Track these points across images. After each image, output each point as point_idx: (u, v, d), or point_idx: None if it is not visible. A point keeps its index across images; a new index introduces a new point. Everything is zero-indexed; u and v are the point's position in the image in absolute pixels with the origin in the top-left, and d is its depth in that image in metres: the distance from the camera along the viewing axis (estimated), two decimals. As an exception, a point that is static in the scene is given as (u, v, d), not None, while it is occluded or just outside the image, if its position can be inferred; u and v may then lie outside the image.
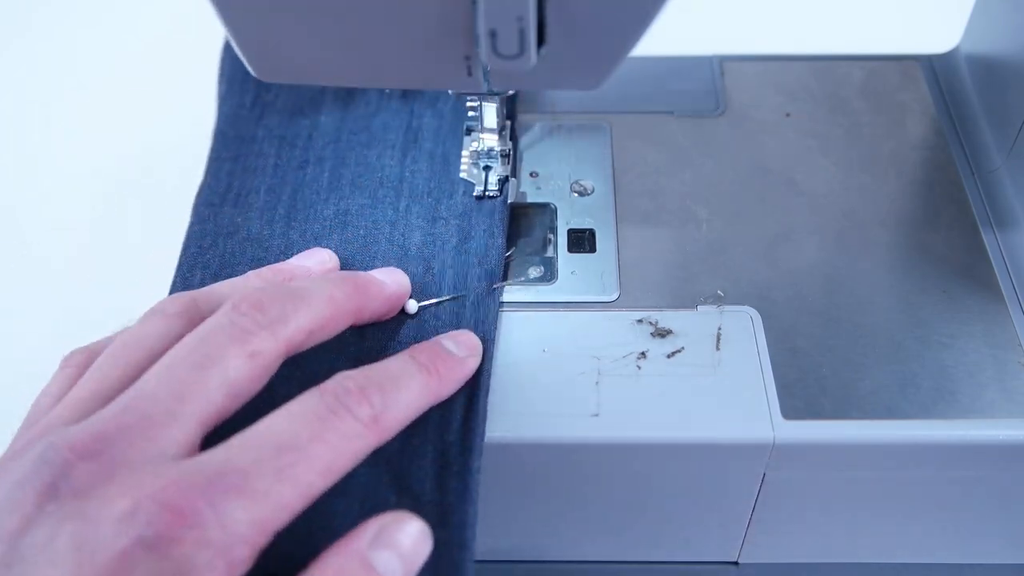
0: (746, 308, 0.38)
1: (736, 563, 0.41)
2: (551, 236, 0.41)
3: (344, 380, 0.29)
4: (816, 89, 0.48)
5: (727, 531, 0.39)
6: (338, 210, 0.41)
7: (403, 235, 0.40)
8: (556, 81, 0.32)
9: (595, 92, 0.33)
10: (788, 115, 0.47)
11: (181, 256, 0.40)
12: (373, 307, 0.35)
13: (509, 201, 0.41)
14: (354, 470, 0.28)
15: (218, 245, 0.40)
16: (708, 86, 0.48)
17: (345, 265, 0.39)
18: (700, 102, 0.47)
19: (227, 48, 0.50)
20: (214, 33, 0.44)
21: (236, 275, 0.37)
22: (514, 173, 0.43)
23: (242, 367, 0.28)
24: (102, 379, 0.29)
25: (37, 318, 0.52)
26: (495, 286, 0.38)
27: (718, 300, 0.38)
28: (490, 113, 0.41)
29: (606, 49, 0.30)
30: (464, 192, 0.42)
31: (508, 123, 0.43)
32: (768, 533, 0.39)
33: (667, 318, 0.37)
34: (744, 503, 0.37)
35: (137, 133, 0.63)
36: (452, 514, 0.31)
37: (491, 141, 0.42)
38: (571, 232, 0.41)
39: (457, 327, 0.36)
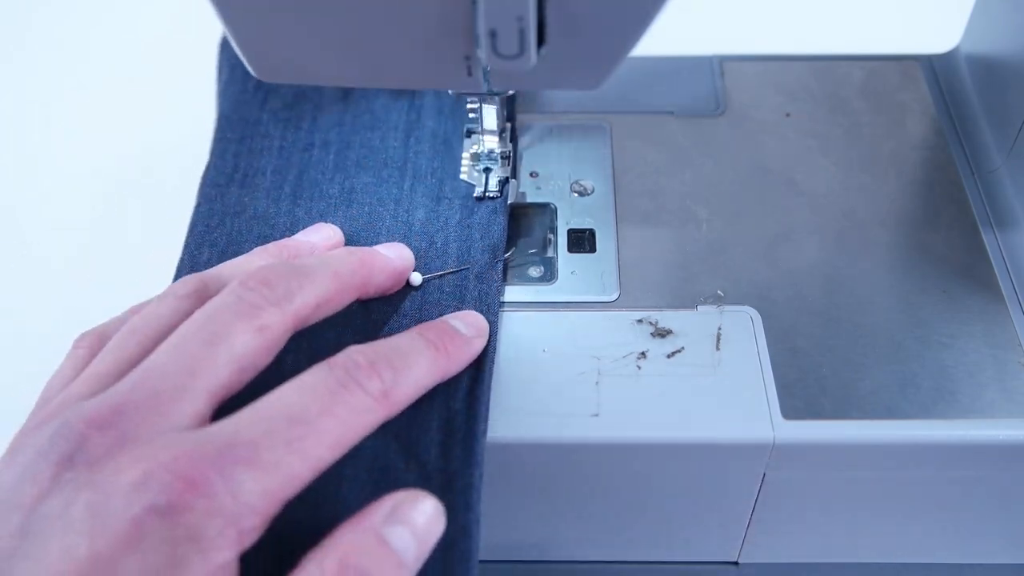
0: (746, 308, 0.38)
1: (736, 563, 0.41)
2: (551, 236, 0.41)
3: (354, 354, 0.29)
4: (816, 89, 0.48)
5: (727, 531, 0.39)
6: (343, 189, 0.42)
7: (407, 212, 0.41)
8: (556, 81, 0.32)
9: (595, 92, 0.33)
10: (788, 115, 0.47)
11: (188, 235, 0.41)
12: (378, 281, 0.35)
13: (509, 202, 0.41)
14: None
15: (225, 224, 0.41)
16: (708, 86, 0.48)
17: (350, 242, 0.40)
18: (700, 102, 0.47)
19: (226, 41, 0.50)
20: (214, 33, 0.44)
21: (243, 252, 0.37)
22: (514, 174, 0.43)
23: (250, 341, 0.29)
24: (116, 358, 0.29)
25: (37, 318, 0.52)
26: (498, 259, 0.39)
27: (718, 300, 0.38)
28: (490, 115, 0.41)
29: (606, 49, 0.30)
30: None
31: (508, 124, 0.43)
32: (768, 533, 0.39)
33: (667, 318, 0.37)
34: (744, 503, 0.37)
35: (137, 133, 0.63)
36: (457, 478, 0.31)
37: (491, 143, 0.42)
38: (571, 232, 0.41)
39: (461, 299, 0.37)
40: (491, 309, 0.37)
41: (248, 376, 0.29)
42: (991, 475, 0.36)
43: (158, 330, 0.30)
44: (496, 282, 0.38)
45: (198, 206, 0.42)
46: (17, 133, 0.64)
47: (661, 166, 0.44)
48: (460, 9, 0.28)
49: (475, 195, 0.41)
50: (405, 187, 0.42)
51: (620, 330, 0.37)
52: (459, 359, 0.33)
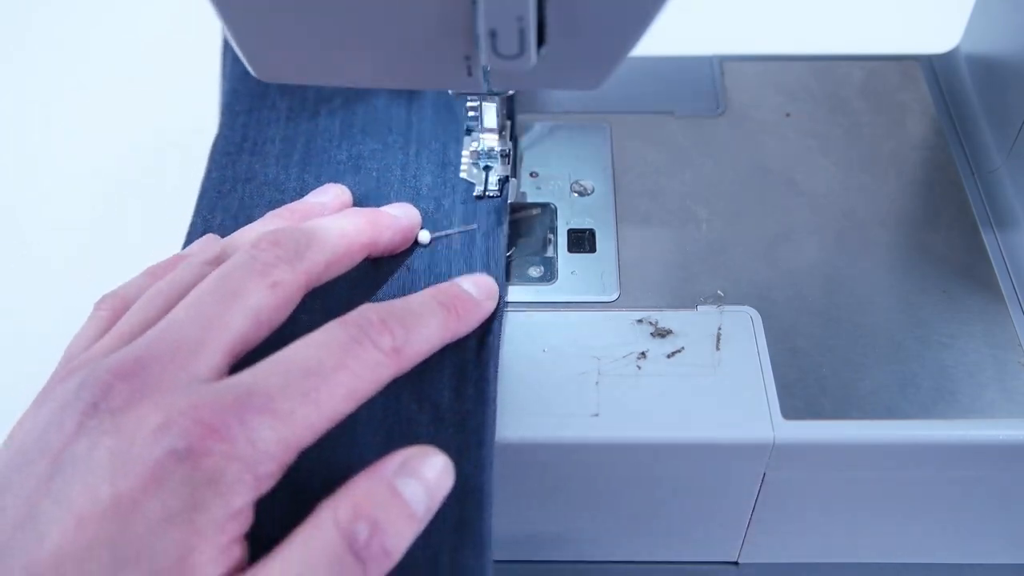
0: (746, 308, 0.38)
1: (736, 563, 0.41)
2: (551, 236, 0.41)
3: (367, 312, 0.30)
4: (816, 89, 0.48)
5: (727, 531, 0.39)
6: (350, 155, 0.43)
7: (415, 176, 0.42)
8: (556, 81, 0.32)
9: (595, 92, 0.33)
10: (788, 115, 0.47)
11: (199, 200, 0.42)
12: (386, 238, 0.37)
13: (509, 201, 0.41)
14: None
15: (237, 190, 0.42)
16: (708, 86, 0.48)
17: (359, 205, 0.41)
18: (700, 102, 0.47)
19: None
20: (214, 33, 0.44)
21: (255, 216, 0.39)
22: (514, 173, 0.43)
23: (264, 297, 0.30)
24: (140, 319, 0.31)
25: (37, 318, 0.52)
26: (503, 222, 0.40)
27: (718, 300, 0.38)
28: (490, 113, 0.41)
29: (606, 49, 0.30)
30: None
31: (508, 123, 0.43)
32: (768, 533, 0.39)
33: (667, 318, 0.37)
34: (744, 503, 0.37)
35: (137, 133, 0.63)
36: (471, 417, 0.33)
37: (491, 141, 0.42)
38: (571, 232, 0.41)
39: (469, 256, 0.38)
40: (497, 264, 0.38)
41: (264, 331, 0.30)
42: (991, 475, 0.36)
43: (181, 294, 0.31)
44: (502, 241, 0.39)
45: (209, 172, 0.43)
46: (17, 133, 0.64)
47: (661, 166, 0.44)
48: (460, 9, 0.28)
49: (475, 193, 0.41)
50: (411, 153, 0.43)
51: (620, 330, 0.37)
52: (469, 320, 0.34)
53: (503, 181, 0.42)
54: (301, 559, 0.26)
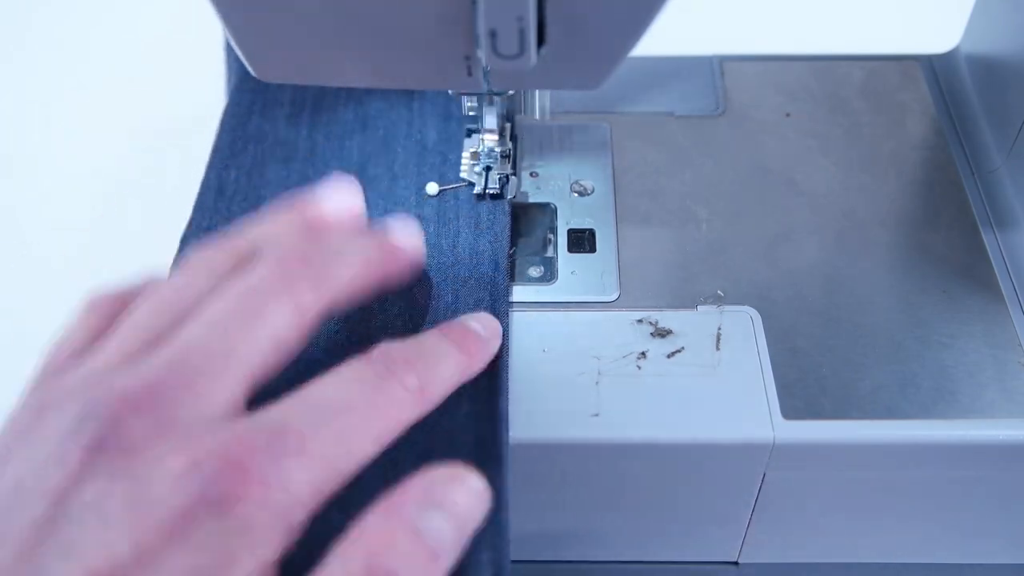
0: (746, 308, 0.38)
1: (736, 563, 0.41)
2: (551, 236, 0.41)
3: (391, 351, 0.28)
4: (816, 89, 0.48)
5: (727, 531, 0.39)
6: (357, 114, 0.45)
7: (420, 132, 0.44)
8: (556, 81, 0.32)
9: (595, 92, 0.33)
10: (788, 115, 0.47)
11: (212, 157, 0.43)
12: (398, 273, 0.34)
13: (509, 199, 0.41)
14: None
15: (249, 148, 0.44)
16: (708, 86, 0.48)
17: (368, 160, 0.43)
18: (700, 102, 0.47)
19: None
20: (214, 33, 0.44)
21: (268, 174, 0.42)
22: (514, 172, 0.43)
23: (289, 321, 0.27)
24: (146, 332, 0.27)
25: (37, 318, 0.52)
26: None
27: (718, 300, 0.38)
28: (490, 113, 0.41)
29: (606, 49, 0.30)
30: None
31: (508, 123, 0.43)
32: (768, 533, 0.39)
33: (667, 318, 0.37)
34: (744, 503, 0.37)
35: (137, 133, 0.63)
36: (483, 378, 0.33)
37: (491, 141, 0.42)
38: (571, 232, 0.41)
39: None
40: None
41: (283, 359, 0.27)
42: (991, 475, 0.36)
43: (190, 306, 0.28)
44: (504, 206, 0.40)
45: (220, 135, 0.45)
46: (17, 133, 0.64)
47: (661, 166, 0.44)
48: (460, 9, 0.28)
49: (475, 192, 0.41)
50: (414, 108, 0.45)
51: (620, 330, 0.37)
52: (480, 360, 0.33)
53: (503, 181, 0.42)
54: None
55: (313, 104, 0.46)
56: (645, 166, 0.44)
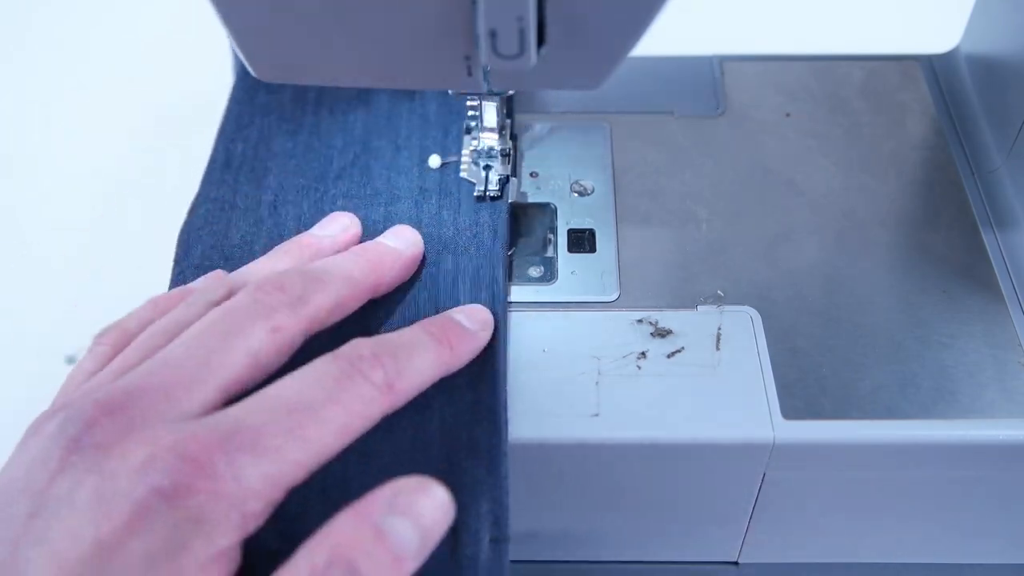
0: (746, 308, 0.38)
1: (736, 563, 0.41)
2: (551, 236, 0.41)
3: (359, 346, 0.30)
4: (816, 89, 0.48)
5: (727, 531, 0.39)
6: (360, 90, 0.46)
7: (421, 106, 0.45)
8: (556, 81, 0.32)
9: (595, 92, 0.33)
10: (788, 115, 0.47)
11: (220, 131, 0.44)
12: (390, 278, 0.36)
13: (509, 201, 0.41)
14: None
15: (256, 121, 0.45)
16: (708, 86, 0.48)
17: (372, 133, 0.44)
18: (700, 102, 0.47)
19: None
20: (214, 33, 0.44)
21: (274, 147, 0.43)
22: (514, 173, 0.43)
23: (265, 340, 0.29)
24: (140, 356, 0.30)
25: (37, 318, 0.52)
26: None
27: (718, 300, 0.38)
28: (490, 113, 0.41)
29: (606, 49, 0.30)
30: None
31: (508, 123, 0.43)
32: (768, 533, 0.39)
33: (667, 318, 0.37)
34: (744, 503, 0.37)
35: (137, 133, 0.63)
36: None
37: (491, 141, 0.42)
38: (571, 232, 0.41)
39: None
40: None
41: (261, 375, 0.29)
42: (991, 475, 0.36)
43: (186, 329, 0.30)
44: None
45: (229, 107, 0.46)
46: (17, 133, 0.64)
47: (661, 166, 0.44)
48: (460, 9, 0.28)
49: (475, 193, 0.41)
50: None
51: (620, 330, 0.37)
52: (462, 353, 0.33)
53: (503, 181, 0.42)
54: None
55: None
56: (645, 166, 0.44)
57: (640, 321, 0.37)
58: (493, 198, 0.41)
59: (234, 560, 0.25)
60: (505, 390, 0.34)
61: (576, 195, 0.43)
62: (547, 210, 0.42)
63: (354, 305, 0.34)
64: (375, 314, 0.37)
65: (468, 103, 0.43)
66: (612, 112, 0.47)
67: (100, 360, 0.31)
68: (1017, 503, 0.37)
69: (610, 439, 0.34)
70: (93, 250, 0.56)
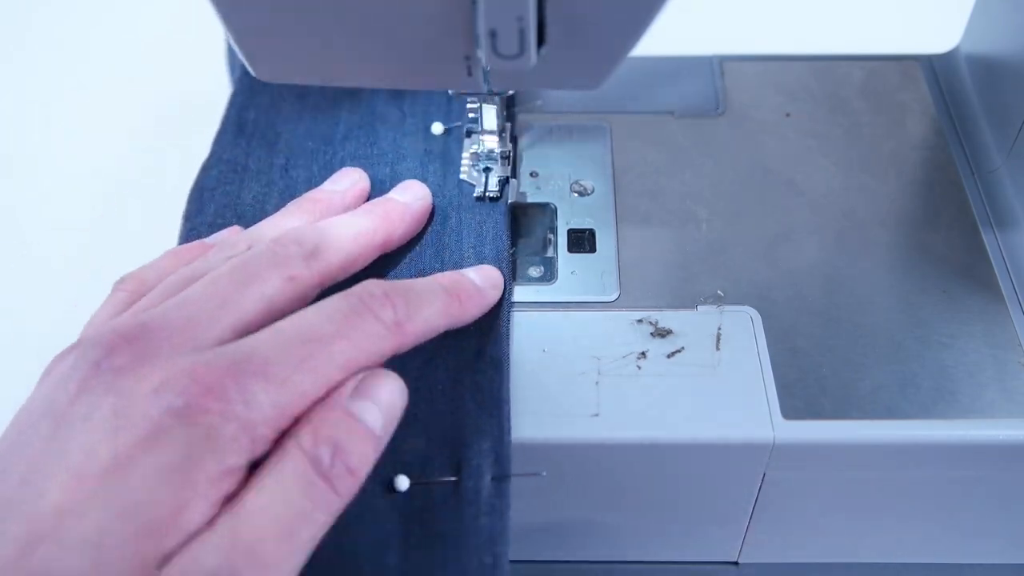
0: (746, 308, 0.38)
1: (736, 563, 0.41)
2: (551, 236, 0.41)
3: (371, 286, 0.31)
4: (816, 89, 0.48)
5: (727, 531, 0.39)
6: None
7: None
8: (556, 81, 0.32)
9: (595, 92, 0.33)
10: (788, 115, 0.47)
11: (233, 94, 0.46)
12: (400, 232, 0.38)
13: (509, 202, 0.41)
14: None
15: (266, 88, 0.46)
16: (708, 86, 0.48)
17: (378, 99, 0.45)
18: (700, 102, 0.47)
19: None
20: (214, 33, 0.44)
21: (284, 111, 0.45)
22: (514, 174, 0.43)
23: (280, 287, 0.31)
24: (159, 302, 0.31)
25: (37, 318, 0.52)
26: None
27: (718, 300, 0.38)
28: (490, 115, 0.41)
29: (606, 49, 0.30)
30: None
31: (508, 124, 0.43)
32: (768, 533, 0.39)
33: (667, 318, 0.37)
34: (744, 503, 0.37)
35: (137, 133, 0.63)
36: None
37: (491, 143, 0.42)
38: (571, 232, 0.41)
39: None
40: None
41: (273, 320, 0.30)
42: (991, 475, 0.36)
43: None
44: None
45: (241, 77, 0.47)
46: (17, 133, 0.64)
47: (661, 166, 0.44)
48: (460, 9, 0.28)
49: (475, 195, 0.41)
50: None
51: (620, 330, 0.37)
52: (471, 307, 0.35)
53: (503, 182, 0.42)
54: (274, 486, 0.26)
55: None
56: (645, 166, 0.44)
57: (640, 321, 0.37)
58: (492, 199, 0.41)
59: (240, 480, 0.27)
60: (509, 342, 0.36)
61: (576, 195, 0.43)
62: (547, 210, 0.42)
63: (366, 260, 0.36)
64: (384, 270, 0.38)
65: (468, 105, 0.43)
66: (612, 112, 0.47)
67: (119, 307, 0.33)
68: (1017, 503, 0.37)
69: (610, 439, 0.34)
70: (93, 250, 0.56)
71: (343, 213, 0.38)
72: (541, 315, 0.38)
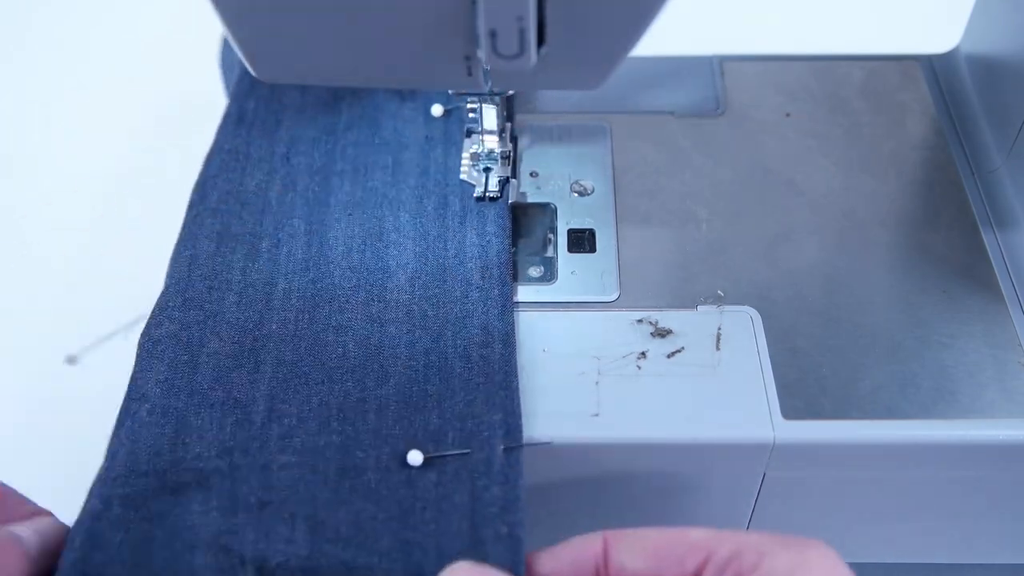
0: (746, 308, 0.38)
1: (736, 563, 0.41)
2: (551, 236, 0.41)
3: None
4: (816, 89, 0.48)
5: (727, 531, 0.39)
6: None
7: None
8: (556, 81, 0.32)
9: (595, 92, 0.33)
10: (788, 115, 0.47)
11: (234, 86, 0.46)
12: None
13: (509, 202, 0.41)
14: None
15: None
16: (708, 86, 0.48)
17: (381, 98, 0.46)
18: (700, 102, 0.47)
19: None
20: (214, 33, 0.44)
21: (286, 102, 0.45)
22: (514, 174, 0.43)
23: None
24: None
25: (37, 318, 0.52)
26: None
27: (718, 300, 0.38)
28: (490, 115, 0.41)
29: (606, 49, 0.30)
30: None
31: (508, 124, 0.43)
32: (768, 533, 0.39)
33: (667, 318, 0.37)
34: (744, 503, 0.37)
35: (137, 133, 0.63)
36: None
37: (491, 143, 0.42)
38: (571, 232, 0.41)
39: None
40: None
41: None
42: (991, 475, 0.36)
43: None
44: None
45: (242, 72, 0.47)
46: (17, 133, 0.64)
47: (661, 166, 0.44)
48: (460, 9, 0.28)
49: (475, 195, 0.41)
50: None
51: (620, 330, 0.37)
52: None
53: (503, 182, 0.42)
54: None
55: None
56: (645, 166, 0.44)
57: (640, 321, 0.37)
58: (493, 199, 0.41)
59: None
60: (513, 317, 0.37)
61: (576, 195, 0.43)
62: (547, 210, 0.42)
63: None
64: (384, 268, 0.39)
65: (468, 105, 0.43)
66: (612, 112, 0.47)
67: None
68: (1017, 503, 0.37)
69: (610, 439, 0.34)
70: (93, 250, 0.56)
71: None
72: (541, 315, 0.38)
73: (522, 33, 0.28)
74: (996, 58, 0.45)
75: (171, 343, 0.36)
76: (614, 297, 0.39)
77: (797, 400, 0.35)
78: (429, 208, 0.41)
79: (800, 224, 0.42)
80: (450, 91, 0.42)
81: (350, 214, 0.40)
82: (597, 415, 0.34)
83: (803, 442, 0.34)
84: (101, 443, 0.33)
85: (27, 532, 0.31)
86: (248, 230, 0.40)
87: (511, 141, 0.44)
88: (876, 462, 0.35)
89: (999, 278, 0.39)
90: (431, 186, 0.42)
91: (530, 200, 0.43)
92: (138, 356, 0.36)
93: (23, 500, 0.33)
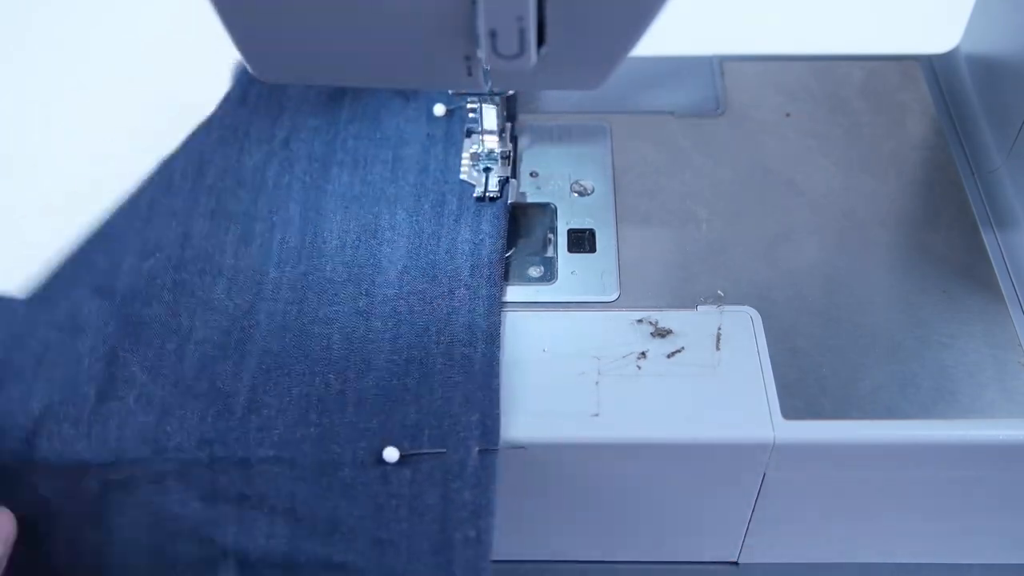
0: (746, 308, 0.38)
1: (736, 563, 0.41)
2: (551, 236, 0.41)
3: None
4: (816, 89, 0.48)
5: (727, 531, 0.39)
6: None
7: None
8: (556, 81, 0.32)
9: (595, 92, 0.33)
10: (788, 115, 0.47)
11: (237, 76, 0.47)
12: None
13: (509, 202, 0.41)
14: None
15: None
16: (708, 86, 0.48)
17: (384, 94, 0.46)
18: (700, 102, 0.47)
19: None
20: (214, 33, 0.44)
21: (290, 91, 0.45)
22: (514, 174, 0.43)
23: None
24: None
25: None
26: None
27: (718, 300, 0.38)
28: (490, 115, 0.41)
29: (606, 49, 0.30)
30: None
31: (508, 124, 0.43)
32: (768, 533, 0.39)
33: (667, 318, 0.37)
34: (744, 503, 0.37)
35: (137, 133, 0.63)
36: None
37: (491, 143, 0.42)
38: (571, 232, 0.41)
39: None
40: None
41: None
42: (991, 475, 0.36)
43: None
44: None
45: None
46: (17, 133, 0.64)
47: (661, 166, 0.44)
48: (460, 9, 0.28)
49: (475, 195, 0.41)
50: None
51: (620, 330, 0.37)
52: None
53: (503, 182, 0.42)
54: None
55: None
56: (645, 166, 0.44)
57: (640, 321, 0.37)
58: (492, 199, 0.41)
59: None
60: (499, 315, 0.37)
61: (576, 195, 0.43)
62: (547, 210, 0.42)
63: None
64: (383, 266, 0.39)
65: (468, 105, 0.43)
66: (612, 112, 0.47)
67: None
68: (1017, 503, 0.37)
69: (610, 439, 0.34)
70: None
71: None
72: (541, 315, 0.38)
73: (522, 33, 0.28)
74: (996, 58, 0.45)
75: (160, 329, 0.36)
76: (614, 297, 0.39)
77: (797, 400, 0.35)
78: (426, 206, 0.41)
79: (800, 224, 0.42)
80: (450, 91, 0.42)
81: (347, 207, 0.40)
82: (597, 415, 0.34)
83: (803, 442, 0.34)
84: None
85: None
86: (243, 210, 0.41)
87: (511, 141, 0.44)
88: (876, 462, 0.35)
89: (999, 278, 0.39)
90: (430, 184, 0.42)
91: (530, 200, 0.43)
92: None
93: None
